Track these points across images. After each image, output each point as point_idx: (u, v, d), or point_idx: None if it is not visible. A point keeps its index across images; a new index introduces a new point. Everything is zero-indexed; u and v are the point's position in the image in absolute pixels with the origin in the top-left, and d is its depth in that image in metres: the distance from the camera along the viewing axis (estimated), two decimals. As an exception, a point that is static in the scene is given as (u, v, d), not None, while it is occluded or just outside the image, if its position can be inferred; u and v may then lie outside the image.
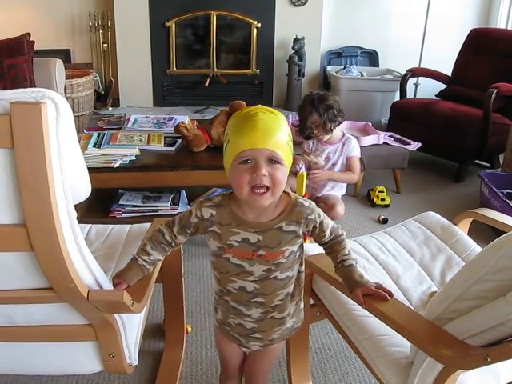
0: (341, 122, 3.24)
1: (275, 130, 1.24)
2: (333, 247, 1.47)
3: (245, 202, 1.31)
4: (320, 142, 3.35)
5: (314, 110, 3.15)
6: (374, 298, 1.40)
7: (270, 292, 1.41)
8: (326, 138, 3.28)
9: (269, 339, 1.51)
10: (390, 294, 1.41)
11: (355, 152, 3.33)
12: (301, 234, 1.38)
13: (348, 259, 1.46)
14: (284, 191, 1.34)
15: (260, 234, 1.34)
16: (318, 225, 1.40)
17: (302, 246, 1.43)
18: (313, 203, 1.40)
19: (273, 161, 1.24)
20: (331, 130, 3.21)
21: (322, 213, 1.42)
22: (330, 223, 1.45)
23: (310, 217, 1.37)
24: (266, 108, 1.29)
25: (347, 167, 3.33)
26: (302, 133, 3.29)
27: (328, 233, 1.45)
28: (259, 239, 1.34)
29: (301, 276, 1.49)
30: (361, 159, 3.50)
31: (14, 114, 1.01)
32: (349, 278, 1.44)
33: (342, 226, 3.29)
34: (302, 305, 1.56)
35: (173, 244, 1.47)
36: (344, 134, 3.37)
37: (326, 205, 3.31)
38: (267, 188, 1.25)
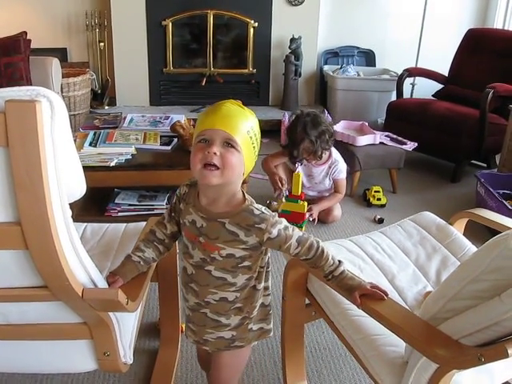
0: (330, 147, 3.20)
1: (237, 117, 1.29)
2: (316, 263, 1.42)
3: (198, 180, 1.36)
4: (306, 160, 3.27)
5: (307, 137, 3.09)
6: (370, 297, 1.40)
7: (203, 284, 1.42)
8: (314, 161, 3.24)
9: (202, 337, 1.51)
10: (386, 294, 1.41)
11: (342, 175, 3.31)
12: (245, 240, 1.35)
13: (336, 268, 1.42)
14: (245, 196, 1.37)
15: (205, 220, 1.37)
16: (273, 236, 1.34)
17: (260, 259, 1.42)
18: (268, 214, 1.35)
19: (229, 144, 1.27)
20: (321, 157, 3.18)
21: (281, 225, 1.36)
22: (294, 235, 1.37)
23: (258, 225, 1.33)
24: (237, 103, 1.33)
25: (334, 188, 3.33)
26: (293, 157, 3.23)
27: (294, 245, 1.37)
28: (203, 225, 1.37)
29: (255, 294, 1.47)
30: (356, 159, 3.51)
31: (9, 113, 1.01)
32: (343, 285, 1.43)
33: (338, 226, 3.30)
34: (254, 327, 1.53)
35: (165, 241, 1.50)
36: (331, 155, 3.31)
37: (323, 210, 3.32)
38: (217, 167, 1.27)
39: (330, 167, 3.30)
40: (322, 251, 1.41)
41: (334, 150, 3.34)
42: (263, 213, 1.35)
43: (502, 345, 1.11)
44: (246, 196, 1.38)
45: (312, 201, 3.31)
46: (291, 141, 3.19)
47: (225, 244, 1.36)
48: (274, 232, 1.34)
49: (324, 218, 3.30)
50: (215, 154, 1.26)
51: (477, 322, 1.17)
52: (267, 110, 5.27)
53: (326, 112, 3.55)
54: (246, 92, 5.31)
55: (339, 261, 1.44)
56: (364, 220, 3.41)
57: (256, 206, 1.37)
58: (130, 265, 1.46)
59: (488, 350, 1.13)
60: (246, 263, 1.39)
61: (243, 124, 1.30)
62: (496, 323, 1.13)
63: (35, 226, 1.12)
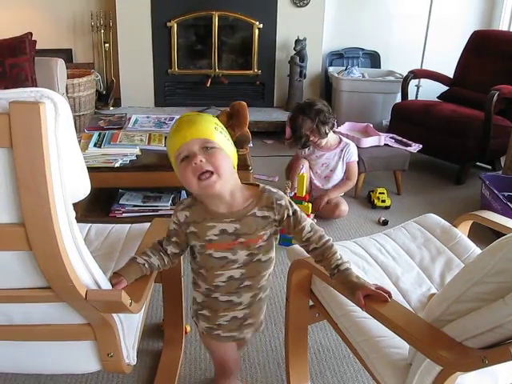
0: (334, 124, 3.29)
1: (200, 122, 1.35)
2: (324, 253, 1.48)
3: (203, 195, 1.40)
4: (317, 149, 3.38)
5: (306, 117, 3.23)
6: (374, 298, 1.40)
7: (256, 274, 1.50)
8: (323, 142, 3.34)
9: (259, 322, 1.62)
10: (390, 295, 1.41)
11: (354, 157, 3.43)
12: (276, 218, 1.44)
13: (342, 263, 1.47)
14: (252, 184, 1.47)
15: (236, 222, 1.41)
16: (291, 213, 1.45)
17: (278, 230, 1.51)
18: (281, 192, 1.47)
19: (207, 148, 1.32)
20: (326, 134, 3.27)
21: (295, 205, 1.48)
22: (307, 219, 1.49)
23: (279, 202, 1.43)
24: (189, 112, 1.43)
25: (346, 174, 3.40)
26: (298, 142, 3.33)
27: (307, 228, 1.47)
28: (236, 228, 1.42)
29: None
30: (361, 160, 3.52)
31: (13, 114, 1.01)
32: (348, 282, 1.44)
33: (342, 227, 3.31)
34: None
35: (168, 255, 1.52)
36: (341, 139, 3.43)
37: (330, 204, 3.34)
38: (211, 172, 1.32)
39: (342, 150, 3.41)
40: (332, 244, 1.49)
41: (343, 137, 3.47)
42: (278, 190, 1.47)
43: (506, 347, 1.11)
44: (255, 182, 1.49)
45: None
46: (293, 127, 3.33)
47: (263, 230, 1.44)
48: (292, 209, 1.45)
49: (330, 213, 3.31)
50: (201, 161, 1.31)
51: (481, 325, 1.16)
52: (272, 111, 5.27)
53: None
54: (250, 93, 5.31)
55: (347, 260, 1.48)
56: (368, 222, 3.40)
57: (266, 185, 1.48)
58: (135, 266, 1.46)
59: (492, 353, 1.13)
60: (276, 235, 1.50)
61: (207, 124, 1.35)
62: (500, 325, 1.13)
63: (39, 227, 1.12)
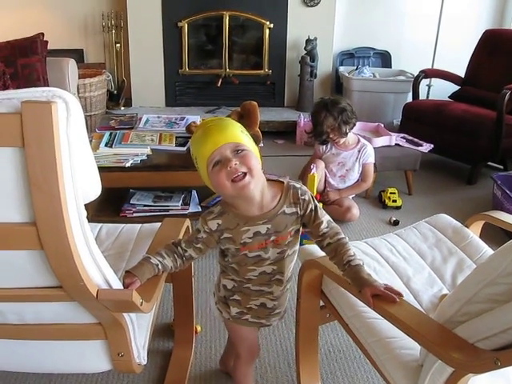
0: (354, 124, 3.31)
1: (227, 127, 1.40)
2: (337, 249, 1.50)
3: (237, 198, 1.42)
4: (335, 146, 3.40)
5: (329, 114, 3.24)
6: (383, 299, 1.39)
7: (286, 269, 1.55)
8: (342, 141, 3.36)
9: (283, 310, 1.68)
10: (400, 295, 1.40)
11: (371, 159, 3.43)
12: (301, 213, 1.50)
13: (354, 259, 1.47)
14: (276, 180, 1.52)
15: (268, 223, 1.46)
16: (313, 208, 1.50)
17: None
18: (304, 186, 1.52)
19: (238, 151, 1.37)
20: (346, 133, 3.29)
21: (315, 200, 1.53)
22: (326, 215, 1.54)
23: (303, 197, 1.49)
24: (212, 118, 1.49)
25: (362, 175, 3.41)
26: (318, 138, 3.36)
27: (324, 223, 1.51)
28: (269, 228, 1.46)
29: None
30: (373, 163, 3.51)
31: (25, 113, 1.02)
32: (357, 278, 1.44)
33: (353, 227, 3.30)
34: None
35: (183, 258, 1.53)
36: (359, 140, 3.43)
37: (341, 207, 3.34)
38: (244, 174, 1.36)
39: (359, 151, 3.41)
40: (346, 241, 1.52)
41: (361, 138, 3.48)
42: (301, 185, 1.52)
43: (519, 349, 1.10)
44: (278, 178, 1.54)
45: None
46: (315, 122, 3.35)
47: (291, 226, 1.49)
48: (313, 204, 1.51)
49: (342, 216, 3.30)
50: (236, 164, 1.35)
51: (493, 326, 1.15)
52: (282, 111, 5.27)
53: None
54: (261, 93, 5.31)
55: (361, 259, 1.50)
56: (379, 222, 3.39)
57: (289, 180, 1.53)
58: (149, 266, 1.46)
59: (504, 354, 1.12)
60: (299, 230, 1.55)
61: (234, 128, 1.41)
62: (512, 327, 1.12)
63: (50, 226, 1.12)
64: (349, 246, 1.50)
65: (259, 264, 1.51)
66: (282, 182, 1.51)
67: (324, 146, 3.43)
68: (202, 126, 1.43)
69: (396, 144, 3.76)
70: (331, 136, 3.32)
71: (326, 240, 1.51)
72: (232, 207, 1.46)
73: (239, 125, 1.44)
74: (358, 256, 1.49)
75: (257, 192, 1.41)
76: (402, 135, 3.93)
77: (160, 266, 1.48)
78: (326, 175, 3.43)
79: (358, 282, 1.44)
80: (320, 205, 2.85)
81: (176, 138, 3.16)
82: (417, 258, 1.94)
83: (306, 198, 1.49)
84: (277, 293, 1.59)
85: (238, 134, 1.40)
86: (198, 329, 2.25)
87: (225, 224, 1.46)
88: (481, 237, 2.01)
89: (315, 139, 3.42)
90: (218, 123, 1.41)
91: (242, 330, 1.69)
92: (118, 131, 3.20)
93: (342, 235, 1.53)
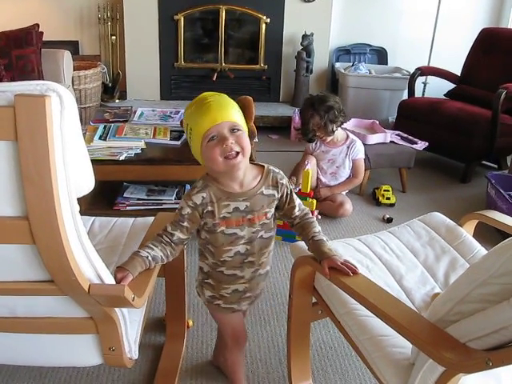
0: (343, 122, 3.32)
1: (227, 105, 1.47)
2: (304, 226, 1.64)
3: (223, 173, 1.50)
4: (324, 144, 3.40)
5: (315, 113, 3.24)
6: (339, 271, 1.50)
7: (258, 250, 1.62)
8: (329, 139, 3.36)
9: (255, 295, 1.73)
10: (354, 272, 1.50)
11: (360, 154, 3.43)
12: (278, 196, 1.59)
13: (318, 235, 1.61)
14: (259, 163, 1.60)
15: (247, 200, 1.54)
16: (289, 192, 1.61)
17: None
18: (281, 171, 1.62)
19: (234, 129, 1.45)
20: (333, 131, 3.29)
21: (290, 185, 1.64)
22: (297, 198, 1.66)
23: (281, 181, 1.59)
24: (210, 93, 1.51)
25: (353, 171, 3.41)
26: (305, 136, 3.37)
27: (297, 206, 1.64)
28: (247, 205, 1.54)
29: None
30: (366, 157, 3.51)
31: (18, 107, 1.01)
32: (319, 251, 1.57)
33: (346, 224, 3.30)
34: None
35: (172, 244, 1.55)
36: (348, 136, 3.44)
37: (334, 202, 3.34)
38: (237, 153, 1.44)
39: (348, 147, 3.42)
40: (313, 221, 1.65)
41: (350, 133, 3.49)
42: (280, 171, 1.61)
43: (511, 349, 1.10)
44: (259, 162, 1.62)
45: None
46: (302, 120, 3.38)
47: (268, 207, 1.58)
48: (289, 188, 1.61)
49: (335, 212, 3.30)
50: (232, 143, 1.43)
51: (485, 326, 1.16)
52: (278, 106, 5.26)
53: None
54: (256, 88, 5.30)
55: (326, 238, 1.63)
56: (373, 219, 3.39)
57: (269, 165, 1.61)
58: (139, 259, 1.46)
59: (496, 355, 1.12)
60: (274, 214, 1.64)
61: (233, 107, 1.49)
62: (505, 327, 1.12)
63: (43, 220, 1.12)
64: (315, 224, 1.64)
65: (234, 243, 1.57)
66: (263, 166, 1.59)
67: (313, 144, 3.43)
68: (202, 99, 1.48)
69: (391, 141, 3.76)
70: (318, 134, 3.33)
71: (296, 220, 1.65)
72: (215, 182, 1.53)
73: (236, 104, 1.51)
74: (322, 234, 1.63)
75: (243, 170, 1.51)
76: (397, 132, 3.93)
77: (150, 258, 1.48)
78: (317, 172, 3.43)
79: (318, 254, 1.57)
80: (314, 202, 2.85)
81: (170, 131, 3.15)
82: (410, 256, 1.94)
83: (284, 183, 1.59)
84: (248, 275, 1.65)
85: (236, 113, 1.47)
86: (190, 323, 2.25)
87: (208, 197, 1.52)
88: (474, 236, 2.02)
89: (302, 137, 3.44)
90: (219, 100, 1.47)
91: (229, 317, 1.75)
92: (113, 124, 3.19)
93: (310, 215, 1.67)
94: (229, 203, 1.53)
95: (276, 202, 1.60)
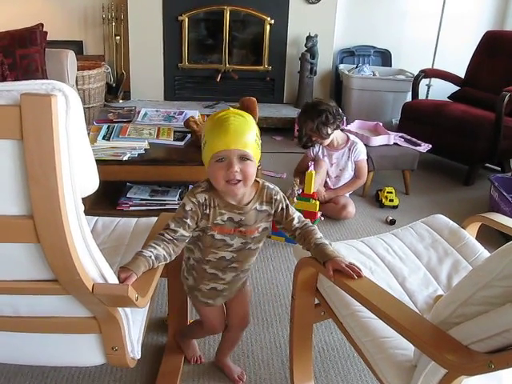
0: (338, 125, 3.32)
1: (245, 132, 1.47)
2: (305, 235, 1.64)
3: (223, 191, 1.54)
4: (325, 148, 3.43)
5: (307, 118, 3.29)
6: (344, 274, 1.49)
7: (244, 259, 1.68)
8: (326, 142, 3.38)
9: (231, 294, 1.80)
10: (359, 275, 1.49)
11: (362, 156, 3.44)
12: (272, 212, 1.64)
13: (320, 239, 1.61)
14: (255, 179, 1.59)
15: (243, 214, 1.58)
16: (284, 207, 1.64)
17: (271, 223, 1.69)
18: (277, 187, 1.65)
19: (244, 158, 1.47)
20: (328, 134, 3.30)
21: (286, 199, 1.67)
22: (296, 211, 1.69)
23: (275, 197, 1.62)
24: (236, 111, 1.50)
25: (356, 172, 3.43)
26: (300, 141, 3.46)
27: (296, 219, 1.67)
28: (241, 219, 1.59)
29: None
30: (370, 159, 3.51)
31: (24, 106, 1.01)
32: (322, 253, 1.56)
33: (349, 226, 3.30)
34: None
35: (174, 241, 1.55)
36: (349, 138, 3.45)
37: (337, 205, 3.34)
38: (239, 180, 1.48)
39: (350, 149, 3.43)
40: (314, 228, 1.66)
41: (351, 135, 3.51)
42: (274, 186, 1.65)
43: (513, 352, 1.10)
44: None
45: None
46: (299, 127, 3.47)
47: (261, 222, 1.63)
48: (285, 203, 1.65)
49: (338, 214, 3.31)
50: (236, 172, 1.46)
51: (487, 329, 1.16)
52: (281, 107, 5.27)
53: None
54: (260, 89, 5.31)
55: (329, 242, 1.64)
56: (376, 221, 3.39)
57: (265, 181, 1.65)
58: (142, 259, 1.46)
59: (498, 357, 1.12)
60: (268, 228, 1.69)
61: (251, 136, 1.48)
62: (507, 330, 1.12)
63: (47, 219, 1.12)
64: (316, 231, 1.65)
65: (222, 249, 1.62)
66: (258, 182, 1.61)
67: (313, 149, 3.45)
68: (225, 119, 1.47)
69: (394, 143, 3.76)
70: (314, 139, 3.36)
71: (297, 231, 1.66)
72: (216, 190, 1.56)
73: (257, 130, 1.52)
74: (325, 239, 1.62)
75: (241, 194, 1.55)
76: (401, 134, 3.93)
77: (153, 257, 1.48)
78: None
79: (322, 256, 1.56)
80: (317, 203, 2.86)
81: (174, 132, 3.16)
82: (413, 258, 1.94)
83: (278, 198, 1.63)
84: (229, 278, 1.72)
85: (252, 143, 1.48)
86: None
87: (209, 200, 1.56)
88: (477, 238, 2.02)
89: (299, 143, 3.51)
90: (240, 124, 1.46)
91: (204, 309, 1.82)
92: (116, 124, 3.20)
93: (310, 224, 1.68)
94: (225, 212, 1.57)
95: (271, 218, 1.65)
